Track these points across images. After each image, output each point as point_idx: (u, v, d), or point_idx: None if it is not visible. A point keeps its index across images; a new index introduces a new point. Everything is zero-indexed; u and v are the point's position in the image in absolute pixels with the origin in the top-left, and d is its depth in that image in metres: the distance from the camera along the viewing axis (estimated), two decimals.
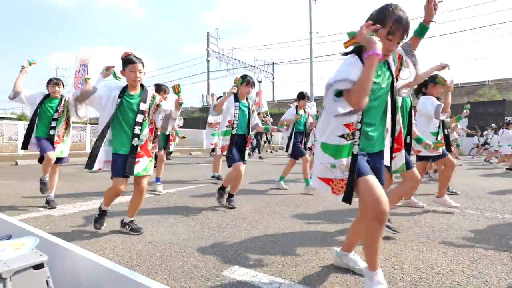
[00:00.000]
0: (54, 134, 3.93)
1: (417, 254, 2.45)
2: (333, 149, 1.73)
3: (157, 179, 5.08)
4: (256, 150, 13.72)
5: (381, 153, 1.91)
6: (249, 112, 4.03)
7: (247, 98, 4.10)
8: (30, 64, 4.03)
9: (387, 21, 1.64)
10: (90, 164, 2.71)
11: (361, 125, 1.70)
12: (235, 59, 33.47)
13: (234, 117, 3.91)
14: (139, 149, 2.76)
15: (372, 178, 1.71)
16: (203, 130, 19.86)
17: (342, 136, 1.71)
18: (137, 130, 2.74)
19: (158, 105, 2.90)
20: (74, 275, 1.20)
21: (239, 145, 3.95)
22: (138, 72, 2.74)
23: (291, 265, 2.21)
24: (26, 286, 1.02)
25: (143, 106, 2.78)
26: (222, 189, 4.14)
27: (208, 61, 35.91)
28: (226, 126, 3.94)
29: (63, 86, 4.10)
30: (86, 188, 5.34)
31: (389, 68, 1.83)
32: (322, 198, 4.67)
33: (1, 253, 1.06)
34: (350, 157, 1.71)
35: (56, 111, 3.95)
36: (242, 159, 3.94)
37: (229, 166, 3.93)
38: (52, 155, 3.83)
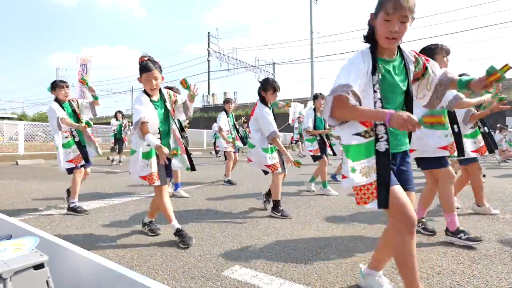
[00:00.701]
0: (89, 136, 3.87)
1: (417, 254, 2.44)
2: (349, 149, 1.57)
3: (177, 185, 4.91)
4: None
5: (406, 153, 1.72)
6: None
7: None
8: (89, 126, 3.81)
9: (384, 3, 1.48)
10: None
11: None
12: (236, 59, 33.47)
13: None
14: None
15: (397, 188, 1.51)
16: (203, 130, 19.90)
17: (359, 134, 1.54)
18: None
19: (175, 101, 2.89)
20: (75, 275, 1.20)
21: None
22: (154, 79, 2.62)
23: (291, 265, 2.21)
24: (26, 286, 1.02)
25: (168, 106, 2.78)
26: (277, 203, 3.66)
27: (208, 61, 35.95)
28: (270, 143, 3.58)
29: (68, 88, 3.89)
30: (85, 189, 5.34)
31: (404, 65, 1.63)
32: (323, 198, 4.68)
33: (1, 253, 1.06)
34: (374, 157, 1.50)
35: (74, 113, 3.83)
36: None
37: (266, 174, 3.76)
38: (88, 170, 3.92)
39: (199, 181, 6.40)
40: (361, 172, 1.52)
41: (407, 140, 1.73)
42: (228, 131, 6.33)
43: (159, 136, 2.70)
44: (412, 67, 1.67)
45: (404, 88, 1.62)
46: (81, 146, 3.76)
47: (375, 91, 1.51)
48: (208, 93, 37.53)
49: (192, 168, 2.84)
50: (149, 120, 2.55)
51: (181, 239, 2.59)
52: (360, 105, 1.48)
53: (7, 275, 0.97)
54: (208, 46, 34.34)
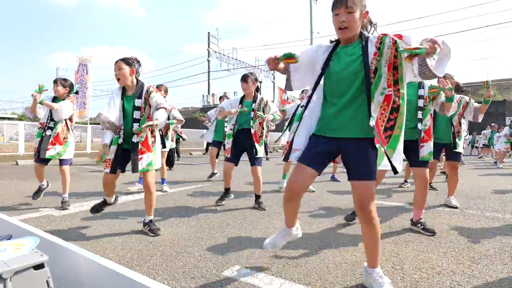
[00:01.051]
0: (50, 135, 3.88)
1: (417, 254, 2.45)
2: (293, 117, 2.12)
3: (163, 180, 5.21)
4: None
5: (358, 141, 1.76)
6: (253, 108, 3.90)
7: (255, 96, 3.97)
8: (40, 91, 3.84)
9: (332, 3, 1.77)
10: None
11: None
12: (236, 59, 33.47)
13: (236, 121, 3.96)
14: (140, 145, 2.81)
15: (298, 166, 1.85)
16: (204, 130, 19.87)
17: (302, 106, 2.06)
18: (135, 126, 2.80)
19: (149, 96, 2.86)
20: (75, 275, 1.20)
21: (240, 142, 3.94)
22: (117, 69, 2.81)
23: (291, 265, 2.21)
24: (26, 286, 1.02)
25: (138, 102, 2.83)
26: (226, 191, 4.22)
27: (208, 61, 35.90)
28: (230, 129, 4.02)
29: (63, 86, 3.94)
30: (86, 188, 5.34)
31: (362, 48, 1.71)
32: (323, 198, 4.67)
33: (1, 253, 1.06)
34: (298, 122, 1.96)
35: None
36: (250, 159, 3.95)
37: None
38: (41, 162, 3.96)
39: (199, 181, 6.40)
40: (291, 132, 2.03)
41: (352, 126, 1.75)
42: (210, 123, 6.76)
43: (122, 128, 2.87)
44: (373, 49, 1.70)
45: (356, 65, 1.73)
46: (40, 142, 3.87)
47: (322, 68, 1.83)
48: (208, 93, 37.49)
49: (133, 170, 2.82)
50: (105, 114, 2.82)
51: (97, 208, 3.08)
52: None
53: (7, 275, 0.97)
54: (208, 46, 34.31)
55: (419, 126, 2.98)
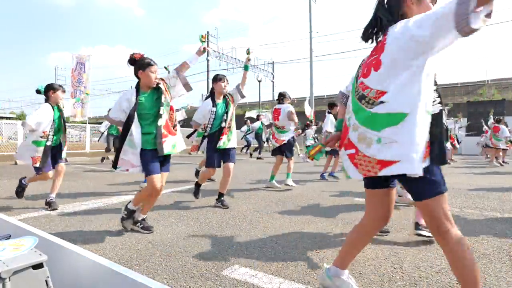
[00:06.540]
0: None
1: (416, 253, 2.45)
2: None
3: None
4: (258, 151, 13.72)
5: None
6: (227, 109, 4.06)
7: (225, 96, 4.12)
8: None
9: None
10: None
11: None
12: (235, 59, 33.41)
13: (209, 121, 4.04)
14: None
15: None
16: None
17: None
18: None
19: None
20: (74, 274, 1.20)
21: (213, 143, 4.03)
22: (156, 73, 2.92)
23: (290, 264, 2.21)
24: (25, 286, 1.02)
25: (164, 99, 2.90)
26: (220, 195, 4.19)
27: (207, 60, 35.86)
28: (201, 128, 4.25)
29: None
30: (86, 188, 5.34)
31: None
32: (323, 198, 4.68)
33: (0, 253, 1.06)
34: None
35: (60, 118, 3.96)
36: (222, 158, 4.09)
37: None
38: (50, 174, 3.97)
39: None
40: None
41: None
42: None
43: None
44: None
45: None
46: (46, 153, 3.77)
47: None
48: (207, 92, 37.48)
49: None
50: None
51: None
52: None
53: (6, 275, 0.97)
54: (207, 46, 34.23)
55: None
